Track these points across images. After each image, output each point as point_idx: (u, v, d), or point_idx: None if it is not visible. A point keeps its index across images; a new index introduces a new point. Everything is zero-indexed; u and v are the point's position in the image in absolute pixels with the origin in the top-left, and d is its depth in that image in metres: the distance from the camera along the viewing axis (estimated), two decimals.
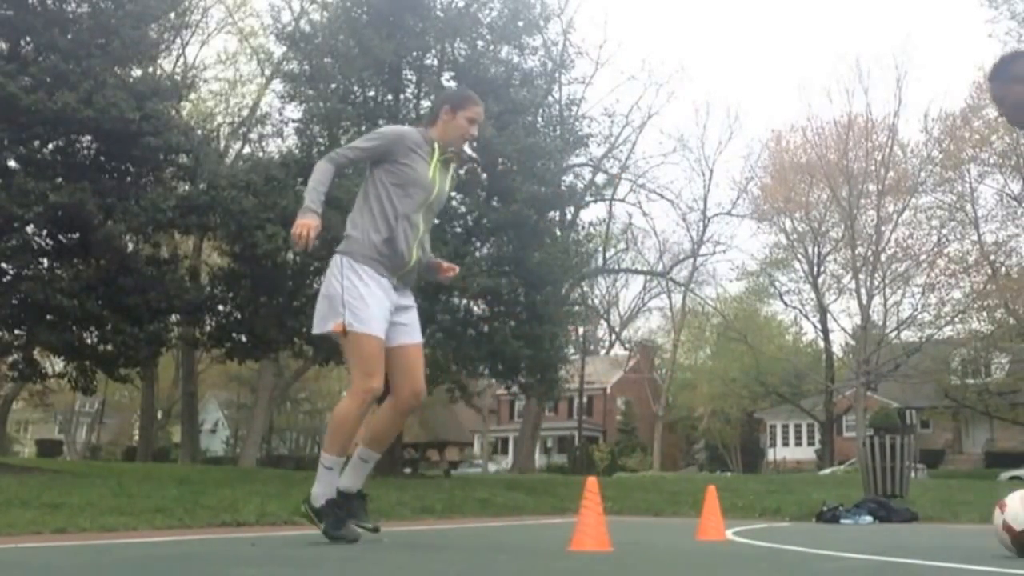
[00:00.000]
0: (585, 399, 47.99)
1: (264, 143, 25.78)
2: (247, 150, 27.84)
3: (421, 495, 10.59)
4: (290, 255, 16.00)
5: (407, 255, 3.94)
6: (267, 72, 28.34)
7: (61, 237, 15.21)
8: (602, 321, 53.95)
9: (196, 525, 5.87)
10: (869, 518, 9.10)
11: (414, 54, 17.75)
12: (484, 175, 17.27)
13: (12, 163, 14.03)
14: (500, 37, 18.19)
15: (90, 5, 15.10)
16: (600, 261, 38.33)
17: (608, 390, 54.69)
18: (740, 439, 51.85)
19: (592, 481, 4.07)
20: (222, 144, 27.72)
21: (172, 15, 17.77)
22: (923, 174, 33.42)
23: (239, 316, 17.18)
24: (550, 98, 22.67)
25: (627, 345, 55.50)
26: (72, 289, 13.78)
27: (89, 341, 15.21)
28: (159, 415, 42.25)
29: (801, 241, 36.90)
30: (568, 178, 22.76)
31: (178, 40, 27.70)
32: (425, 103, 17.45)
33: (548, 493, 13.59)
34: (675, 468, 50.26)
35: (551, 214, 19.74)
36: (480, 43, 18.15)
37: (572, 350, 30.23)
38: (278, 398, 36.49)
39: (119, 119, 13.72)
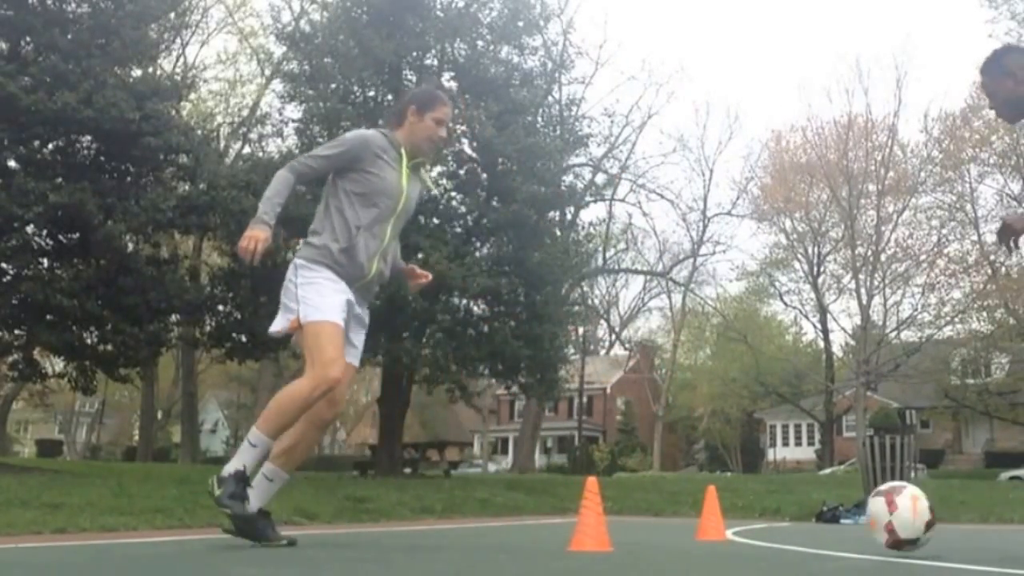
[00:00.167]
0: (585, 399, 47.98)
1: (264, 143, 25.71)
2: (247, 150, 27.80)
3: (421, 495, 10.61)
4: (290, 255, 15.98)
5: (366, 267, 3.79)
6: (267, 72, 28.37)
7: (61, 237, 15.20)
8: (602, 321, 53.95)
9: (196, 525, 5.88)
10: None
11: (414, 54, 17.75)
12: (484, 175, 17.29)
13: (12, 163, 14.02)
14: (500, 37, 18.20)
15: (90, 5, 15.09)
16: (600, 261, 38.33)
17: (608, 390, 54.65)
18: (740, 439, 51.84)
19: (592, 481, 4.07)
20: (222, 144, 27.74)
21: (172, 15, 17.79)
22: (923, 174, 33.39)
23: (239, 316, 17.16)
24: (550, 98, 22.71)
25: (627, 345, 55.50)
26: (72, 289, 13.76)
27: (89, 341, 15.19)
28: (159, 415, 42.28)
29: (801, 241, 36.88)
30: (568, 178, 22.81)
31: (178, 40, 27.76)
32: None
33: (548, 493, 13.60)
34: (675, 468, 50.24)
35: (551, 214, 19.76)
36: (480, 43, 18.16)
37: (572, 350, 30.20)
38: None
39: (119, 119, 13.71)
